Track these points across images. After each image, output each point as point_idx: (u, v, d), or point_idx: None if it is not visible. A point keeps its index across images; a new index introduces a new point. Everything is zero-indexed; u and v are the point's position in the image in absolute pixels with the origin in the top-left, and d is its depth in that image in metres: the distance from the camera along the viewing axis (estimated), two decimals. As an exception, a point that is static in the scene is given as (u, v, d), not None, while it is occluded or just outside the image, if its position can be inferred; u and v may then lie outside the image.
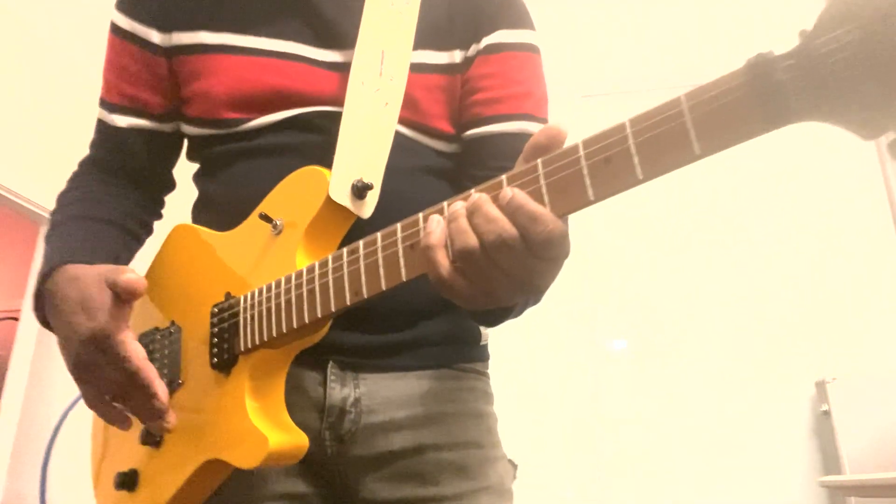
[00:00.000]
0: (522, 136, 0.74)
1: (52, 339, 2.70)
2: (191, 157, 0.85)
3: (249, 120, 0.76)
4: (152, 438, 0.71)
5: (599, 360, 3.31)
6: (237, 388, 0.65)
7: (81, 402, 0.69)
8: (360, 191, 0.67)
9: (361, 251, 0.58)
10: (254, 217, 0.70)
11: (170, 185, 0.90)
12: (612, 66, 3.41)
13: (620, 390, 3.22)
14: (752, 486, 2.96)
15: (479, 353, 0.81)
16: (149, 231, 0.88)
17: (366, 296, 0.57)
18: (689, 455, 3.04)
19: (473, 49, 0.78)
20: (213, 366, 0.67)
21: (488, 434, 0.78)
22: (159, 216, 0.90)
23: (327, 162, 0.70)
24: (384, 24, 0.75)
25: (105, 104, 0.85)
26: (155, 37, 0.80)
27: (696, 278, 3.26)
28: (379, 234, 0.57)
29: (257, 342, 0.64)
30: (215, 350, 0.68)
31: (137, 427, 0.72)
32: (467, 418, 0.76)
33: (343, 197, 0.66)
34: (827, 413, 2.76)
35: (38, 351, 2.67)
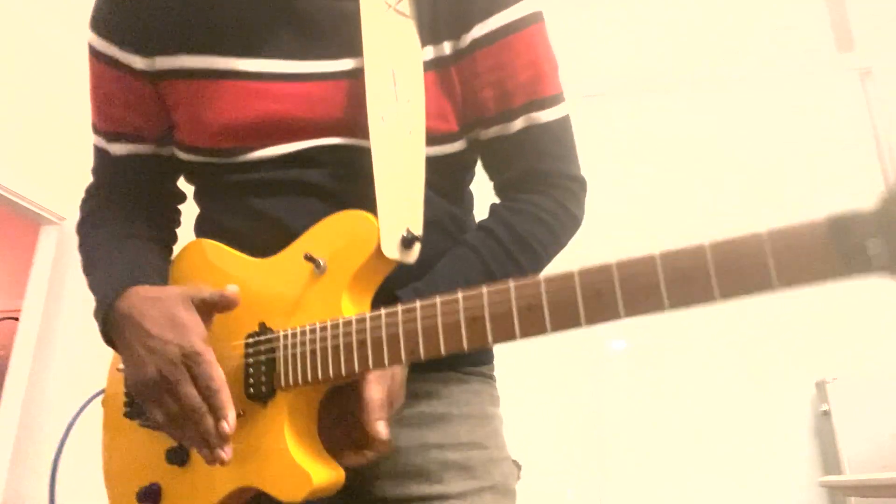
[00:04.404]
0: (529, 130, 0.76)
1: (52, 339, 2.70)
2: (189, 179, 0.83)
3: (247, 150, 0.73)
4: (179, 457, 0.70)
5: (599, 360, 3.31)
6: (276, 422, 0.66)
7: (88, 407, 0.69)
8: (408, 242, 0.67)
9: (419, 311, 0.60)
10: (293, 251, 0.69)
11: (180, 197, 0.89)
12: (611, 66, 3.41)
13: (620, 390, 3.22)
14: (753, 486, 2.96)
15: (484, 357, 0.82)
16: (175, 239, 0.86)
17: (423, 357, 0.59)
18: (688, 455, 3.04)
19: (466, 39, 0.75)
20: (250, 396, 0.67)
21: (494, 436, 0.79)
22: (178, 223, 0.90)
23: (344, 198, 0.70)
24: (386, 35, 0.72)
25: (99, 132, 0.81)
26: (138, 63, 0.75)
27: (696, 278, 3.25)
28: (439, 301, 0.59)
29: (299, 381, 0.65)
30: (251, 381, 0.67)
31: (159, 443, 0.71)
32: (474, 420, 0.77)
33: (394, 251, 0.66)
34: (827, 413, 2.76)
35: (38, 351, 2.67)
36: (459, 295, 0.57)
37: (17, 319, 2.77)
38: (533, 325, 0.54)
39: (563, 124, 0.79)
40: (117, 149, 0.80)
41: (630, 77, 3.33)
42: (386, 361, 0.61)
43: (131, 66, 0.75)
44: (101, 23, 0.77)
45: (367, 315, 0.62)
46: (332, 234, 0.68)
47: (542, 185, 0.78)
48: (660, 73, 3.31)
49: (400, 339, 0.60)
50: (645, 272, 0.49)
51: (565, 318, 0.53)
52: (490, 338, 0.57)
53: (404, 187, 0.69)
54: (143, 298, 0.67)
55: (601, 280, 0.52)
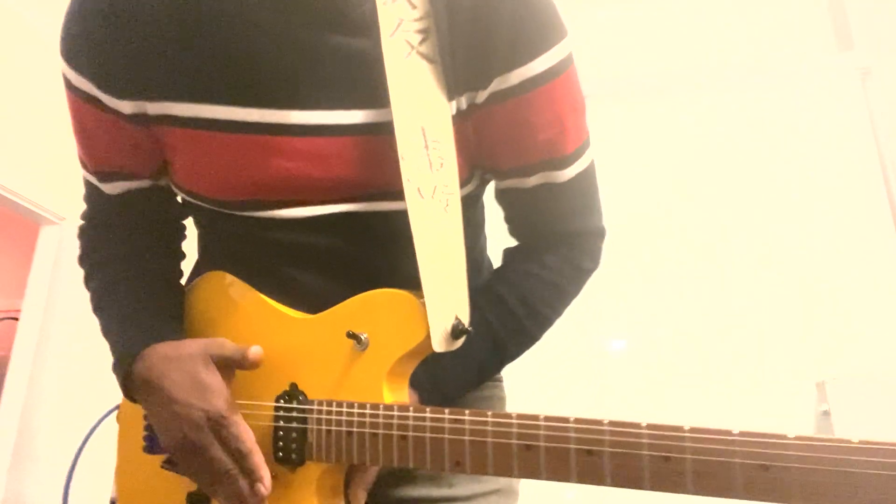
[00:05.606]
0: (544, 187, 0.72)
1: (52, 339, 2.69)
2: (187, 209, 0.78)
3: (258, 208, 0.67)
4: (201, 501, 0.69)
5: (599, 360, 3.31)
6: (304, 492, 0.65)
7: (108, 418, 0.68)
8: (458, 333, 0.64)
9: (467, 425, 0.57)
10: (330, 318, 0.67)
11: (184, 213, 0.82)
12: (608, 67, 3.41)
13: (620, 390, 3.22)
14: (752, 486, 2.96)
15: None
16: (183, 255, 0.83)
17: (469, 471, 0.57)
18: (689, 455, 3.04)
19: (484, 94, 0.67)
20: (278, 459, 0.65)
21: None
22: (184, 237, 0.85)
23: (375, 265, 0.69)
24: (411, 85, 0.65)
25: (89, 171, 0.74)
26: (126, 108, 0.66)
27: (695, 278, 3.26)
28: (490, 418, 0.56)
29: (332, 459, 0.63)
30: (280, 444, 0.65)
31: (181, 484, 0.70)
32: None
33: (440, 343, 0.63)
34: (827, 413, 2.76)
35: (38, 351, 2.67)
36: (514, 417, 0.56)
37: (17, 319, 2.77)
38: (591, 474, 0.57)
39: (585, 175, 0.74)
40: (110, 188, 0.74)
41: (627, 78, 3.33)
42: (428, 464, 0.58)
43: (117, 110, 0.67)
44: (74, 56, 0.66)
45: (411, 408, 0.60)
46: (377, 312, 0.65)
47: (558, 246, 0.76)
48: (657, 73, 3.31)
49: (445, 445, 0.58)
50: (719, 450, 0.48)
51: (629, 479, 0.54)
52: (543, 474, 0.56)
53: (448, 270, 0.65)
54: (161, 359, 0.64)
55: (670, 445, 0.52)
